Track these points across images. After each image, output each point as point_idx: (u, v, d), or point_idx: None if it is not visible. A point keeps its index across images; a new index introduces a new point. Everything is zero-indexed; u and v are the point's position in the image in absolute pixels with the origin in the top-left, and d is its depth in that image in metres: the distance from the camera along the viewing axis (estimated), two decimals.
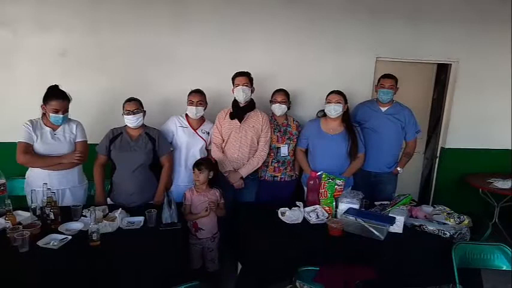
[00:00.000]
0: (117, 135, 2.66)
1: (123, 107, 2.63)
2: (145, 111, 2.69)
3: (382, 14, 3.48)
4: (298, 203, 2.53)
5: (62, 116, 2.48)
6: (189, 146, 2.87)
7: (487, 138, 3.83)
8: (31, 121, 2.51)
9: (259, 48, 3.41)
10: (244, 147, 2.86)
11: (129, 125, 2.63)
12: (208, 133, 2.94)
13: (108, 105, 3.22)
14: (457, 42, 3.62)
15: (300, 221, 2.40)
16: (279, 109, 2.93)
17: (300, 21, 3.42)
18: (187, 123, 2.90)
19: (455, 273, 2.05)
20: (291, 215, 2.44)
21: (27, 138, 2.45)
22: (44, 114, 2.54)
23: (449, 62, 3.73)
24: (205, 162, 2.58)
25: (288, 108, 3.01)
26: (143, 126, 2.71)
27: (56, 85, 2.51)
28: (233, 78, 2.86)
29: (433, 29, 3.55)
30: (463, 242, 2.13)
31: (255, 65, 3.19)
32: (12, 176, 2.73)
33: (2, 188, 2.31)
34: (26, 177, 2.60)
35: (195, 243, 2.56)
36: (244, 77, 2.82)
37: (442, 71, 3.88)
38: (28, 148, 2.45)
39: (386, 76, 2.99)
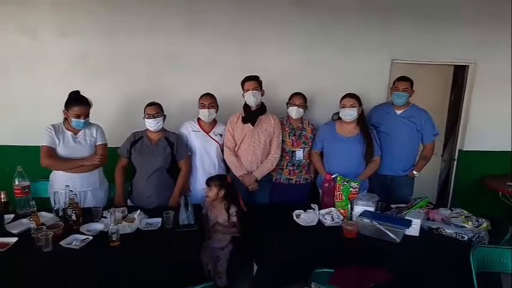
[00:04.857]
0: (138, 138, 2.74)
1: (144, 110, 2.71)
2: (165, 115, 2.76)
3: (397, 15, 3.46)
4: (313, 206, 2.54)
5: (83, 120, 2.56)
6: (203, 149, 2.92)
7: (506, 140, 3.74)
8: (53, 125, 2.60)
9: (271, 51, 3.44)
10: (257, 151, 2.89)
11: (149, 128, 2.70)
12: (221, 135, 2.98)
13: (127, 110, 3.33)
14: (474, 43, 3.56)
15: (315, 224, 2.41)
16: (296, 112, 2.94)
17: (313, 24, 3.43)
18: (199, 127, 2.95)
19: (474, 277, 2.01)
20: (306, 218, 2.45)
21: (50, 142, 2.54)
22: (65, 119, 2.63)
23: (466, 64, 3.68)
24: (217, 180, 2.54)
25: (304, 112, 3.02)
26: (163, 130, 2.78)
27: (77, 91, 2.60)
28: (242, 83, 2.89)
29: (450, 30, 3.51)
30: (481, 246, 2.09)
31: (268, 69, 3.25)
32: (36, 179, 2.83)
33: (26, 190, 2.41)
34: (49, 179, 2.69)
35: (205, 246, 2.50)
36: (253, 81, 2.84)
37: (459, 72, 3.82)
38: (51, 151, 2.54)
39: (401, 79, 2.97)
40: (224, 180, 2.59)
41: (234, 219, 2.51)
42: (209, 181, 2.55)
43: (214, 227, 2.51)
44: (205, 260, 2.48)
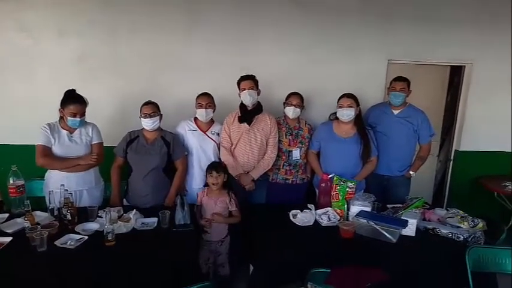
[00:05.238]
0: (134, 138, 2.73)
1: (141, 110, 2.69)
2: (161, 115, 2.75)
3: (394, 16, 3.46)
4: (309, 206, 2.54)
5: (79, 119, 2.55)
6: (200, 148, 2.91)
7: (502, 140, 3.75)
8: (49, 124, 2.59)
9: (269, 51, 3.43)
10: (254, 150, 2.88)
11: (145, 127, 2.69)
12: (218, 134, 2.97)
13: (123, 109, 3.31)
14: (471, 44, 3.57)
15: (311, 224, 2.41)
16: (293, 112, 2.93)
17: (311, 24, 3.43)
18: (196, 127, 2.94)
19: (469, 278, 2.02)
20: (302, 218, 2.45)
21: (46, 141, 2.53)
22: (61, 118, 2.61)
23: (462, 64, 3.69)
24: (220, 165, 2.57)
25: (301, 111, 3.02)
26: (159, 129, 2.77)
27: (73, 89, 2.59)
28: (238, 83, 2.88)
29: (446, 31, 3.51)
30: (477, 246, 2.10)
31: (265, 68, 3.25)
32: (32, 178, 2.81)
33: (21, 189, 2.39)
34: (45, 178, 2.67)
35: (202, 244, 2.52)
36: (249, 81, 2.84)
37: (456, 73, 3.83)
38: (46, 151, 2.52)
39: (398, 79, 2.97)
40: (224, 166, 2.61)
41: (234, 206, 2.52)
42: (217, 168, 2.49)
43: (213, 217, 2.48)
44: (205, 257, 2.50)
